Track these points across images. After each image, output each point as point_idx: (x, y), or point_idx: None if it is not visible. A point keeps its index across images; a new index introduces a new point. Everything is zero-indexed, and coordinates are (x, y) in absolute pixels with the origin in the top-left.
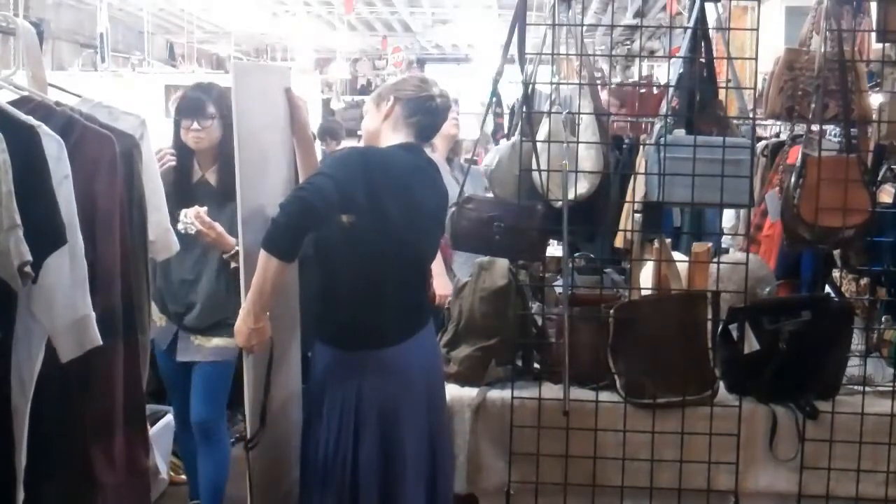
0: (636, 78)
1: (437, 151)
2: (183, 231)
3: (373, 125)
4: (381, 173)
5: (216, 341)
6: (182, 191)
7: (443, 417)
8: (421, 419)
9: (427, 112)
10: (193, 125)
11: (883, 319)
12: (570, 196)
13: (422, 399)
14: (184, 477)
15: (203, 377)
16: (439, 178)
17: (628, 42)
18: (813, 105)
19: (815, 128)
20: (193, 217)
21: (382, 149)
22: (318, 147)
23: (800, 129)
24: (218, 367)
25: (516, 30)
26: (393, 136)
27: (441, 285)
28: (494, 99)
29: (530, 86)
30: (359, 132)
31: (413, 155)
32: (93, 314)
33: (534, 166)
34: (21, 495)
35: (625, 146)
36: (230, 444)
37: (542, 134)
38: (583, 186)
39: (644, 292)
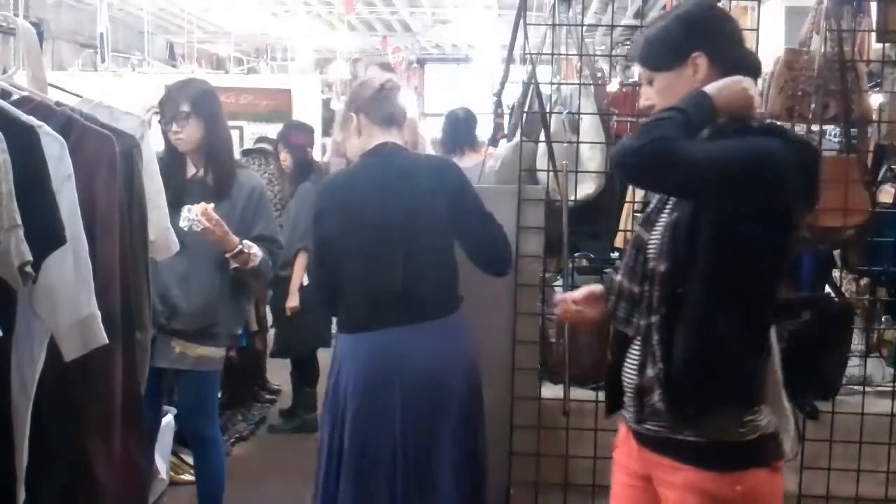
0: (636, 78)
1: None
2: (186, 228)
3: (352, 146)
4: (338, 200)
5: (201, 350)
6: (174, 189)
7: (446, 423)
8: (384, 415)
9: (383, 103)
10: (172, 127)
11: (883, 319)
12: (577, 196)
13: (386, 391)
14: (184, 477)
15: (192, 388)
16: (421, 174)
17: (628, 42)
18: (813, 105)
19: (815, 128)
20: (199, 213)
21: (342, 176)
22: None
23: (800, 129)
24: (206, 377)
25: (519, 30)
26: (369, 142)
27: None
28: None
29: (533, 86)
30: None
31: (382, 159)
32: (98, 313)
33: (548, 166)
34: (21, 495)
35: None
36: (227, 448)
37: (544, 135)
38: (589, 187)
39: None
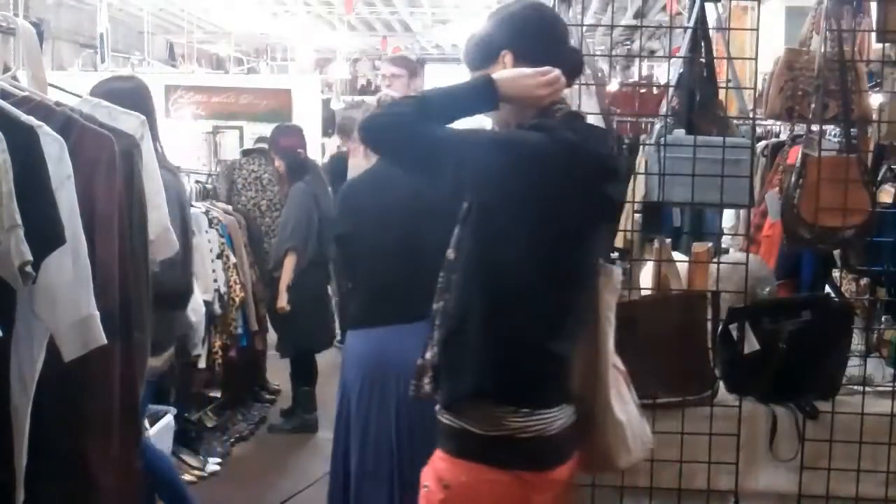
0: (636, 78)
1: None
2: None
3: (361, 162)
4: (359, 199)
5: None
6: None
7: None
8: (382, 411)
9: None
10: None
11: (883, 319)
12: None
13: (383, 388)
14: (184, 477)
15: None
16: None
17: (628, 42)
18: (813, 105)
19: (815, 128)
20: None
21: (359, 179)
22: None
23: (800, 129)
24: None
25: None
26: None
27: None
28: None
29: None
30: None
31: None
32: (97, 314)
33: None
34: (21, 495)
35: (625, 146)
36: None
37: None
38: None
39: (644, 292)
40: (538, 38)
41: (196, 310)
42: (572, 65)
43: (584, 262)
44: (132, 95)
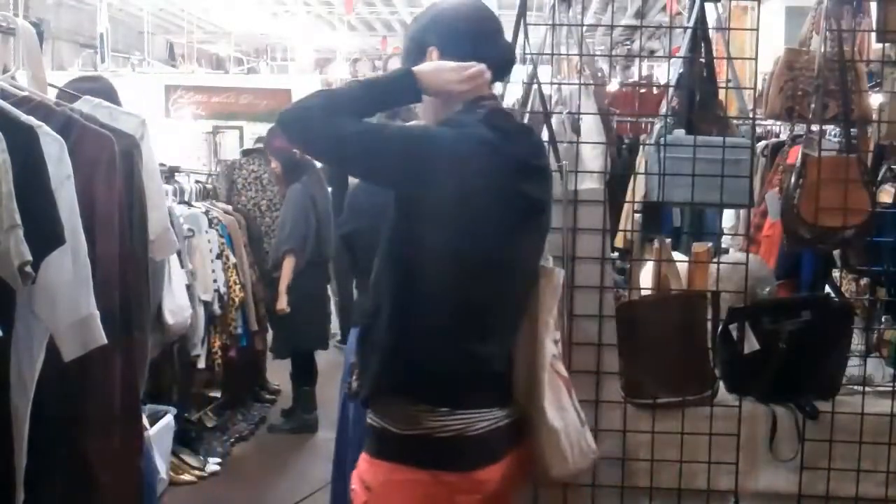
0: (636, 78)
1: None
2: None
3: None
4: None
5: None
6: None
7: None
8: None
9: None
10: None
11: (883, 319)
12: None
13: None
14: (184, 477)
15: None
16: None
17: (628, 42)
18: (813, 105)
19: (815, 128)
20: None
21: None
22: None
23: (800, 129)
24: None
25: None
26: None
27: None
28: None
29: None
30: None
31: None
32: (97, 313)
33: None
34: (21, 495)
35: (625, 146)
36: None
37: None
38: (590, 186)
39: (644, 292)
40: (464, 35)
41: (175, 311)
42: (500, 61)
43: (509, 261)
44: (99, 95)
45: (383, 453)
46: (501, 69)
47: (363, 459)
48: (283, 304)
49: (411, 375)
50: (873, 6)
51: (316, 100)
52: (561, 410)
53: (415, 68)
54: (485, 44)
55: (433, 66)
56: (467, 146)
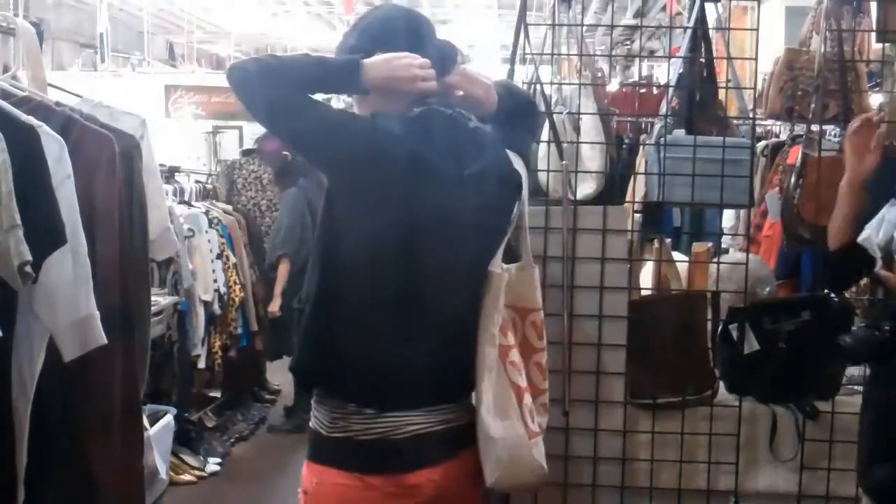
0: (636, 78)
1: None
2: None
3: None
4: None
5: None
6: None
7: None
8: None
9: None
10: None
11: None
12: (577, 196)
13: None
14: (184, 477)
15: None
16: None
17: (628, 42)
18: (813, 105)
19: (815, 128)
20: None
21: None
22: None
23: (800, 129)
24: None
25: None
26: None
27: None
28: None
29: (535, 87)
30: None
31: None
32: (97, 313)
33: (548, 166)
34: (21, 495)
35: (625, 146)
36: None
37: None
38: (589, 186)
39: (644, 292)
40: (400, 38)
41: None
42: (439, 59)
43: (428, 262)
44: None
45: (314, 456)
46: (443, 66)
47: (304, 463)
48: (274, 307)
49: (330, 376)
50: (873, 6)
51: (250, 65)
52: (503, 419)
53: (365, 60)
54: (420, 44)
55: (386, 56)
56: (377, 137)
